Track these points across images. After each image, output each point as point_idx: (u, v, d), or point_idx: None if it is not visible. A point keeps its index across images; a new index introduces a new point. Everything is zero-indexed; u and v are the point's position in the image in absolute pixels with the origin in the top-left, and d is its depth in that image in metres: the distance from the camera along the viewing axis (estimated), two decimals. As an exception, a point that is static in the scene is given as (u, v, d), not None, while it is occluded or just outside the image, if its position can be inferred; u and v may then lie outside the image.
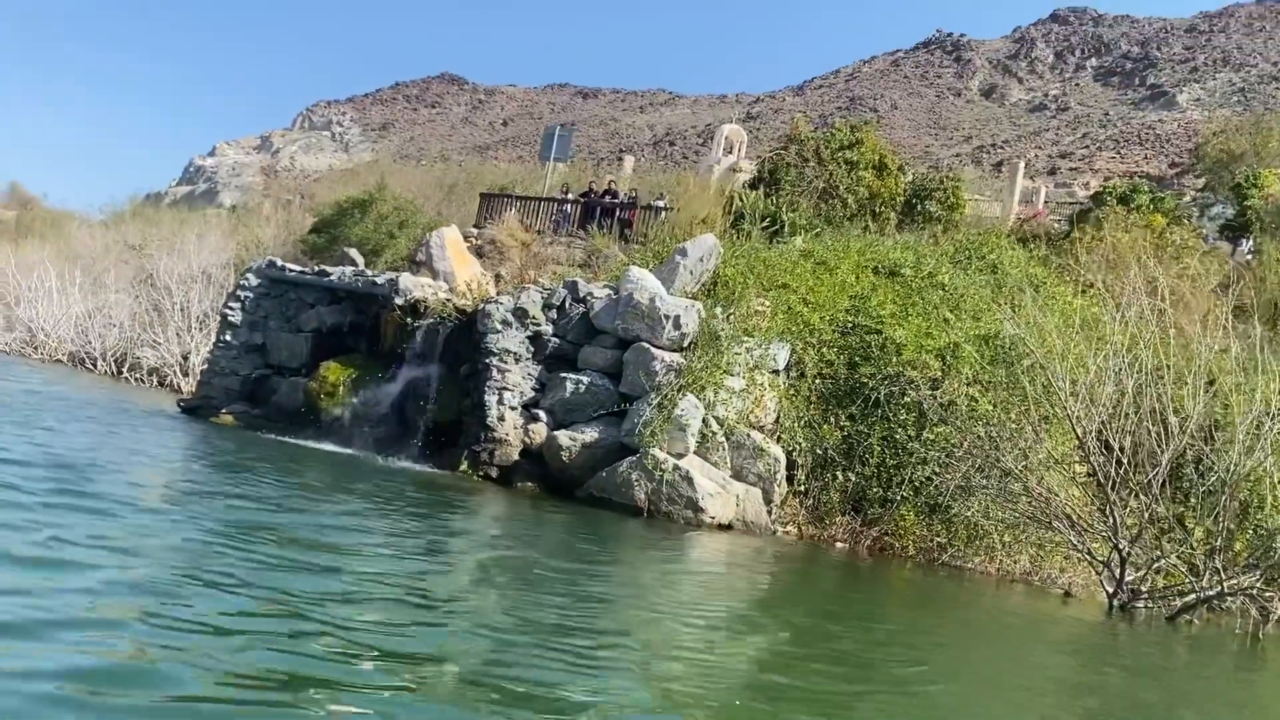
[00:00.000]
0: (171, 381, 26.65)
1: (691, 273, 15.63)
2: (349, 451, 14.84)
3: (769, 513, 14.43)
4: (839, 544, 14.62)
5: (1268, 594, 12.65)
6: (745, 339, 15.00)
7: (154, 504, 7.27)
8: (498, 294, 16.13)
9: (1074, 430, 12.68)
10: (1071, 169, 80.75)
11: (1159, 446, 12.50)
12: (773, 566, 11.81)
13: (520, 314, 14.59)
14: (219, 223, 36.96)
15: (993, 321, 15.80)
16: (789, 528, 14.72)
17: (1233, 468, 12.26)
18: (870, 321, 16.05)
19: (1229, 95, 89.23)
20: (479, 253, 25.17)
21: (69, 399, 16.95)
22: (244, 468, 11.05)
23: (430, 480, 13.26)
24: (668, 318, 14.27)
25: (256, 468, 11.10)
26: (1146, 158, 79.76)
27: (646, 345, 14.23)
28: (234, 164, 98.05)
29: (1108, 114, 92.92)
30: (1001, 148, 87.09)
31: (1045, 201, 47.50)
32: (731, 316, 15.06)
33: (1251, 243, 32.75)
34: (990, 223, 31.40)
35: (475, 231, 27.22)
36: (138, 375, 27.84)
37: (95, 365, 29.30)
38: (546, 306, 14.89)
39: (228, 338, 17.14)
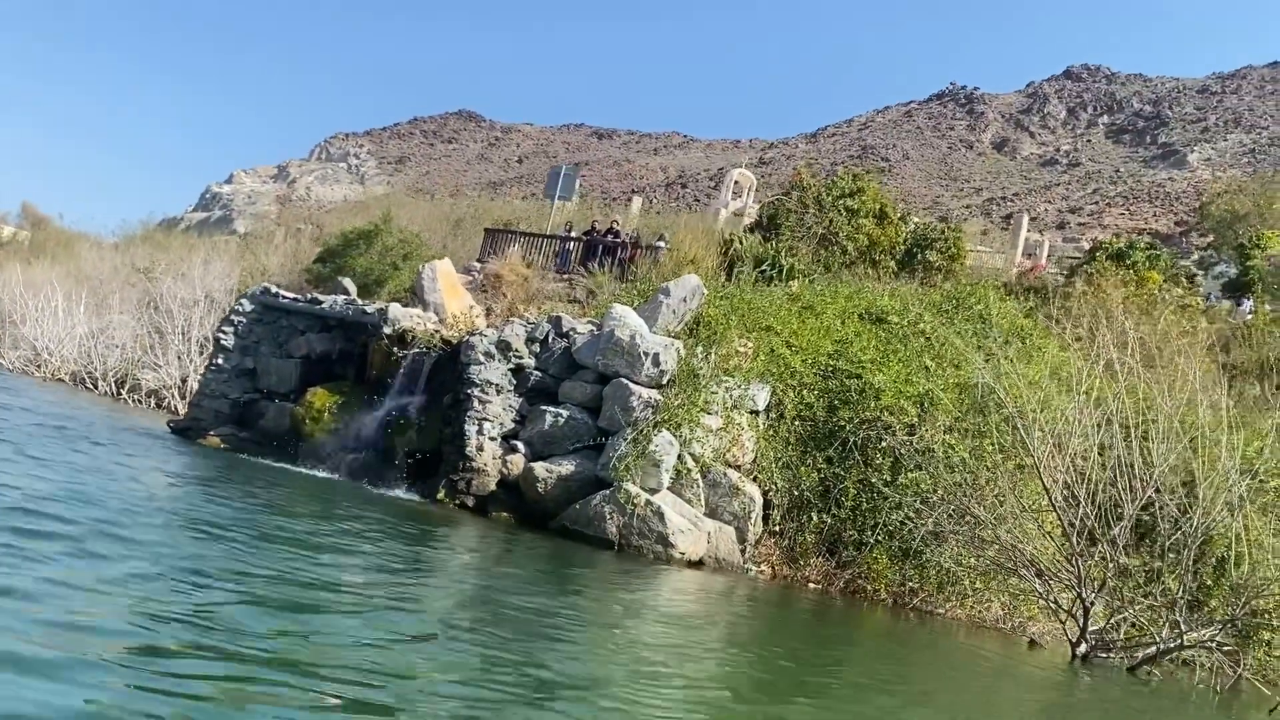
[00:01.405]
0: (169, 404, 26.93)
1: (674, 312, 15.87)
2: (331, 476, 15.04)
3: (743, 552, 14.55)
4: (812, 585, 14.72)
5: (1226, 647, 12.68)
6: (725, 379, 15.20)
7: (116, 529, 7.22)
8: (487, 327, 16.40)
9: (1040, 479, 12.81)
10: (1080, 224, 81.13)
11: (1125, 498, 12.62)
12: (741, 608, 11.85)
13: (504, 347, 14.84)
14: (226, 249, 37.49)
15: (972, 370, 15.98)
16: (763, 567, 14.83)
17: (1195, 522, 12.36)
18: (851, 366, 16.25)
19: (1239, 156, 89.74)
20: (481, 287, 25.56)
21: (57, 416, 17.20)
22: (220, 489, 11.24)
23: (407, 507, 13.43)
24: (647, 355, 14.49)
25: (232, 490, 11.28)
26: (1155, 215, 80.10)
27: (625, 381, 14.45)
28: (250, 192, 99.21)
29: (1118, 171, 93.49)
30: (1011, 200, 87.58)
31: (1049, 255, 47.85)
32: (711, 356, 15.28)
33: (1252, 302, 32.99)
34: (992, 274, 31.72)
35: (478, 266, 27.62)
36: (136, 397, 28.14)
37: (96, 385, 29.64)
38: (530, 340, 15.15)
39: (220, 361, 17.44)
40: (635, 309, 15.92)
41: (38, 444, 11.81)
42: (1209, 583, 14.72)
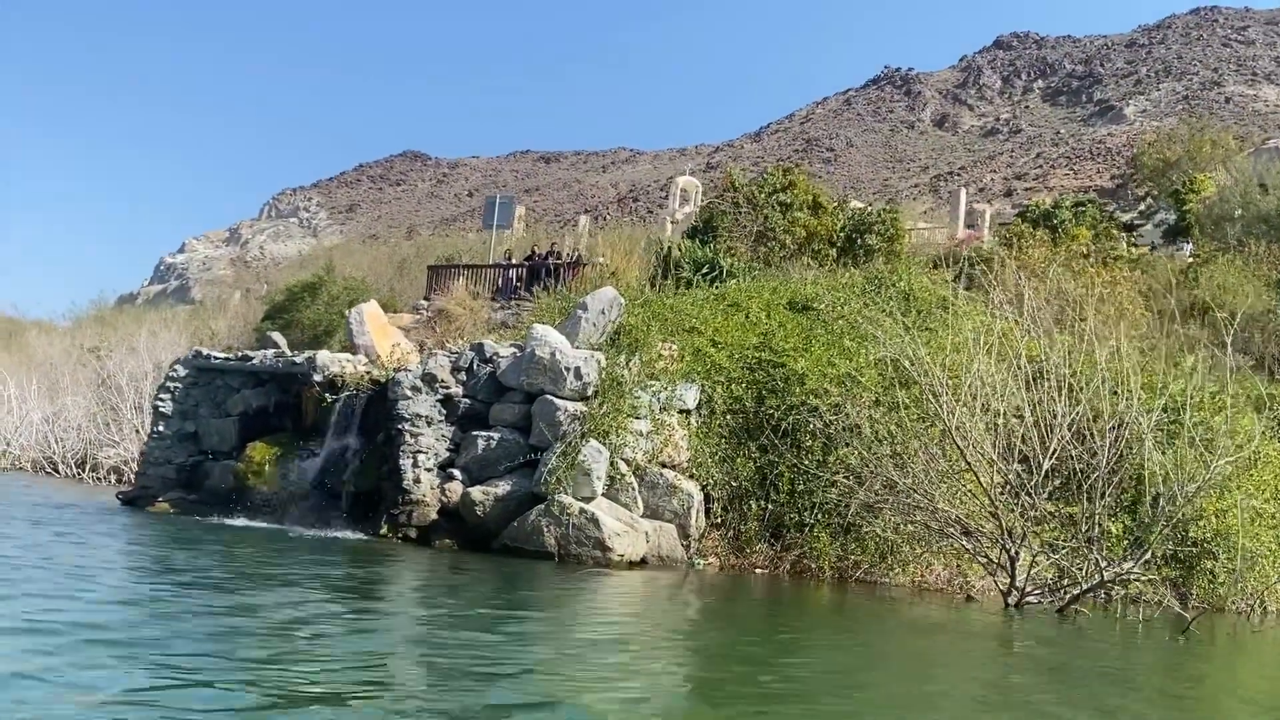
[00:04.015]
0: (129, 478, 27.03)
1: (594, 325, 16.25)
2: (278, 527, 15.27)
3: (687, 547, 14.91)
4: (759, 570, 15.08)
5: (1146, 578, 13.12)
6: (651, 383, 15.59)
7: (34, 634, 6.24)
8: (417, 362, 16.70)
9: (955, 441, 13.22)
10: (1027, 189, 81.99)
11: (1040, 449, 13.07)
12: (672, 602, 12.02)
13: (429, 379, 15.17)
14: (174, 318, 37.64)
15: (888, 346, 16.39)
16: (710, 559, 15.19)
17: (1103, 462, 12.81)
18: (775, 356, 16.67)
19: (1173, 104, 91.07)
20: (430, 324, 25.87)
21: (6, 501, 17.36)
22: (162, 552, 11.41)
23: (350, 547, 13.68)
24: (569, 369, 14.86)
25: (174, 559, 11.34)
26: (1099, 171, 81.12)
27: (550, 397, 14.81)
28: (204, 258, 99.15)
29: (1059, 132, 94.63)
30: (958, 175, 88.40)
31: (990, 224, 48.53)
32: (634, 363, 15.66)
33: (1191, 246, 33.70)
34: (934, 250, 32.27)
35: (425, 303, 27.96)
36: (98, 475, 28.25)
37: (57, 469, 29.72)
38: (456, 369, 15.48)
39: (160, 428, 17.68)
40: (556, 326, 16.29)
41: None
42: (1146, 520, 15.17)
